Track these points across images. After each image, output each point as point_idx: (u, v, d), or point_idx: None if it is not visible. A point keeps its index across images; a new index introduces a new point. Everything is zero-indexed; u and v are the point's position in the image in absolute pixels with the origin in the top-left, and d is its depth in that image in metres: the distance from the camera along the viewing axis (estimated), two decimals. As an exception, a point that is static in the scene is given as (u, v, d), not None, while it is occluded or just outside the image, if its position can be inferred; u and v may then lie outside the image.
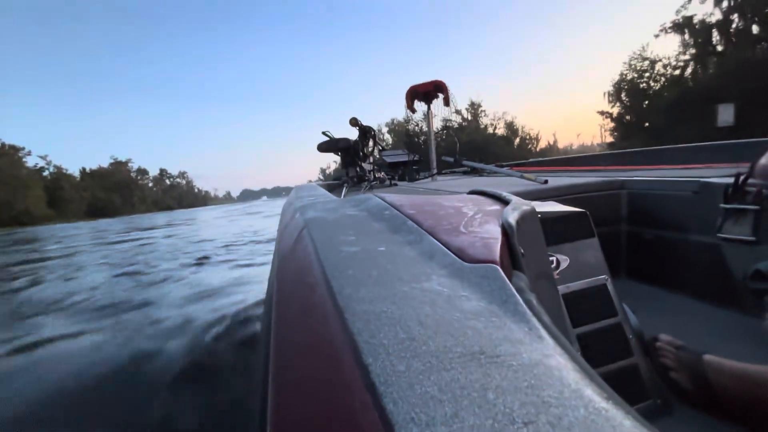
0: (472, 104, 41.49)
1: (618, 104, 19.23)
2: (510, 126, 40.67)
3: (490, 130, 41.05)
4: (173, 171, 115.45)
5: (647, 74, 18.35)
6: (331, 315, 0.25)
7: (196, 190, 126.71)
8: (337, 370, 0.20)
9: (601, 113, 19.84)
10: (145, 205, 73.53)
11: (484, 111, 42.60)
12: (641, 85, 18.49)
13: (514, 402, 0.16)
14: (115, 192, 66.19)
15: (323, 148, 2.36)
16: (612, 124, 20.22)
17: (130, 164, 77.02)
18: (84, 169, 65.16)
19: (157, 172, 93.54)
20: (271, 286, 0.49)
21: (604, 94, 19.08)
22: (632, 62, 18.44)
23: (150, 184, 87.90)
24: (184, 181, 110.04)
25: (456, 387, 0.17)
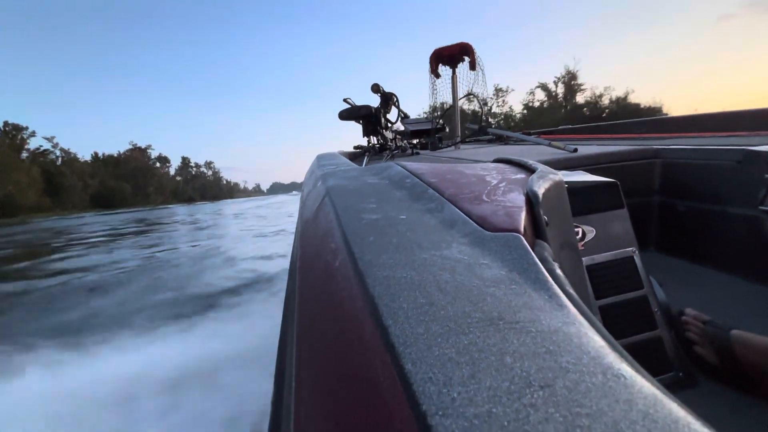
0: (568, 73, 30.28)
1: None
2: (618, 102, 29.35)
3: (587, 110, 29.93)
4: (202, 162, 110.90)
5: None
6: (353, 279, 0.25)
7: (224, 182, 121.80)
8: (357, 331, 0.21)
9: None
10: (163, 196, 67.57)
11: (580, 85, 31.14)
12: None
13: (531, 366, 0.16)
14: (130, 180, 60.37)
15: (344, 115, 2.21)
16: None
17: (149, 151, 71.55)
18: (96, 154, 59.33)
19: (180, 160, 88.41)
20: (295, 252, 0.50)
21: None
22: None
23: (172, 173, 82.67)
24: (210, 172, 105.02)
25: (474, 350, 0.17)
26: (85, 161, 55.79)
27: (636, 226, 0.82)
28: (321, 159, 1.20)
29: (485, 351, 0.17)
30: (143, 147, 69.21)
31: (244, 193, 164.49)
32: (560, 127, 2.79)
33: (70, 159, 50.17)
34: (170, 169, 77.75)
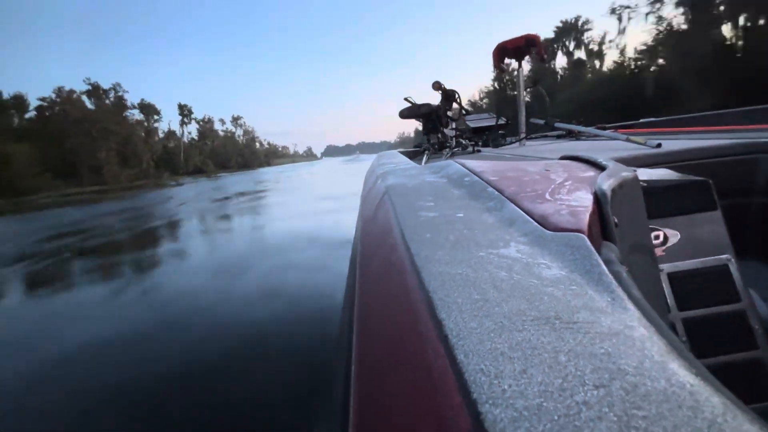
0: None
1: None
2: None
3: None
4: (228, 118, 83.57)
5: None
6: (410, 274, 0.26)
7: (265, 144, 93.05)
8: (412, 322, 0.21)
9: None
10: (138, 167, 41.19)
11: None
12: None
13: (586, 366, 0.15)
14: (69, 140, 33.99)
15: (405, 114, 2.25)
16: None
17: (122, 94, 44.66)
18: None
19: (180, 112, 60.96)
20: (355, 248, 0.52)
21: None
22: None
23: (172, 130, 55.92)
24: (239, 130, 77.22)
25: (527, 347, 0.17)
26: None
27: (733, 231, 0.74)
28: (381, 158, 1.28)
29: (539, 348, 0.17)
30: (106, 88, 42.42)
31: (291, 158, 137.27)
32: (641, 120, 2.60)
33: None
34: (156, 123, 50.61)
